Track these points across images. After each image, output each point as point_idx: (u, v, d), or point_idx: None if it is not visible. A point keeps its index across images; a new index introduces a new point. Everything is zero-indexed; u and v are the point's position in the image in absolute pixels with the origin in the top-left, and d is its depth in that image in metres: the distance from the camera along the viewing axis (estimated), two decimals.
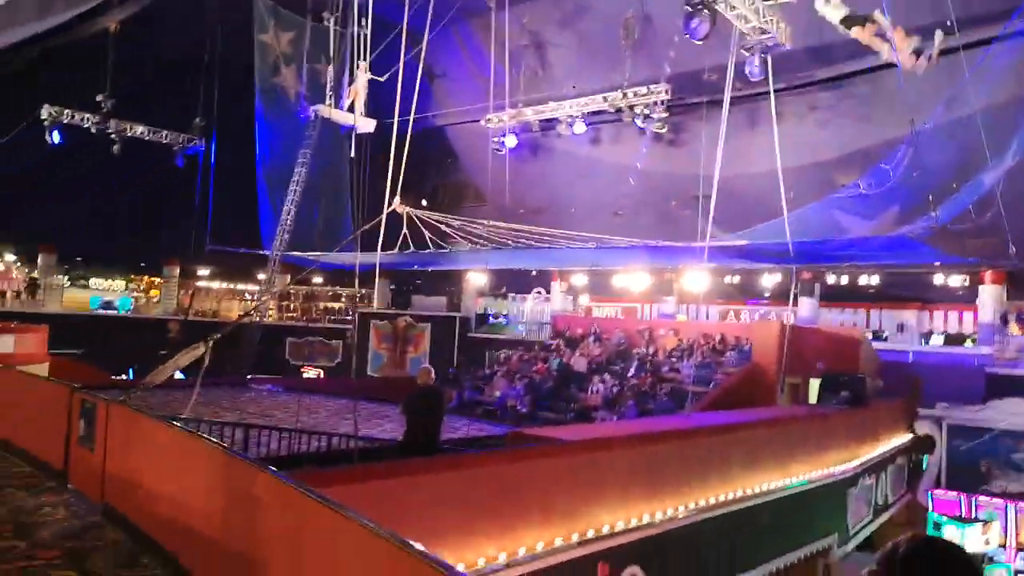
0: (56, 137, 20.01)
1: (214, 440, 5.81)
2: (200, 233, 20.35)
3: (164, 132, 21.56)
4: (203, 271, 28.62)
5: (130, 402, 6.43)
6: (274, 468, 4.23)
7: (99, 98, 19.92)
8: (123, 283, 29.76)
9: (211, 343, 8.16)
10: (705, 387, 16.52)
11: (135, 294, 29.66)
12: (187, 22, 18.73)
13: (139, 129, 21.06)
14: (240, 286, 30.47)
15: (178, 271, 28.27)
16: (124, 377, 22.04)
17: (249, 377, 20.06)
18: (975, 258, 17.39)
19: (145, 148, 21.55)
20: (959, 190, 11.82)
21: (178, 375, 12.26)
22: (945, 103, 11.43)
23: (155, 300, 29.32)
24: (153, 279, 30.01)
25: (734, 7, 10.45)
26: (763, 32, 11.18)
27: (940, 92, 12.51)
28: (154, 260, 28.80)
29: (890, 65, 13.54)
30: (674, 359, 18.72)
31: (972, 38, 12.93)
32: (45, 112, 19.69)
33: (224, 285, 30.29)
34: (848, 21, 9.51)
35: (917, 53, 9.29)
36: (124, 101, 20.33)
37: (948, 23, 12.95)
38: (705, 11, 10.13)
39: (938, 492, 17.20)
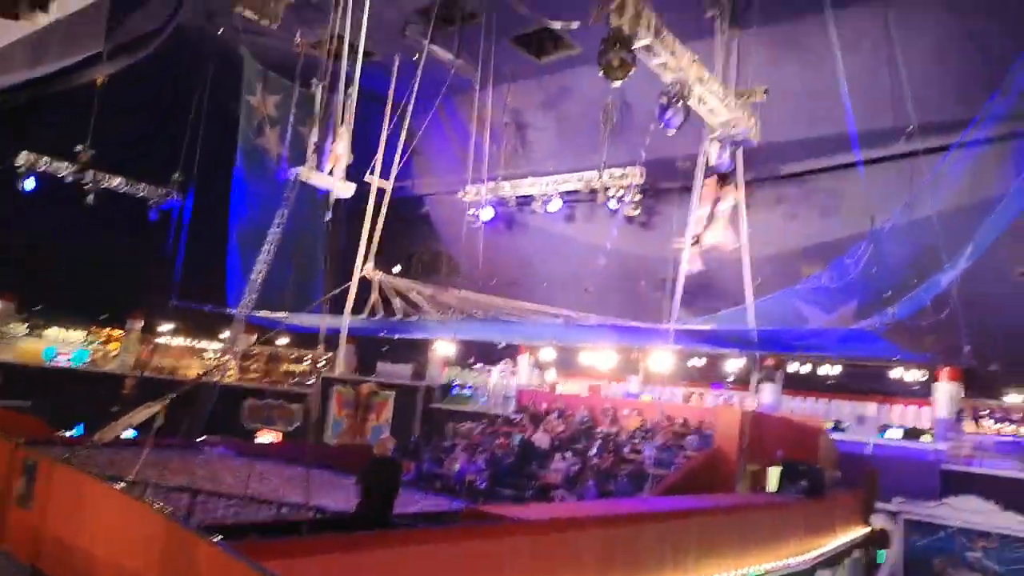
0: (30, 184, 19.84)
1: (158, 505, 5.62)
2: (167, 288, 20.10)
3: (141, 185, 21.52)
4: (166, 327, 28.07)
5: (75, 461, 6.21)
6: (218, 538, 4.10)
7: (78, 148, 19.90)
8: (82, 335, 29.01)
9: (167, 402, 7.98)
10: (666, 470, 16.41)
11: (93, 346, 28.90)
12: (175, 79, 19.00)
13: (116, 181, 20.99)
14: (202, 344, 29.89)
15: (141, 325, 27.72)
16: (71, 433, 21.28)
17: (202, 439, 19.49)
18: (931, 355, 17.84)
19: (120, 200, 21.43)
20: (918, 287, 12.21)
21: (129, 433, 11.89)
22: (905, 205, 11.93)
23: (113, 354, 28.60)
24: (113, 332, 29.31)
25: (705, 102, 10.93)
26: (733, 127, 11.67)
27: (901, 194, 13.08)
28: (117, 313, 28.22)
29: (852, 164, 14.21)
30: (636, 440, 18.63)
31: (932, 144, 13.64)
32: (22, 158, 19.60)
33: (186, 342, 29.70)
34: None
35: None
36: (104, 152, 20.31)
37: (909, 128, 13.70)
38: (679, 103, 10.56)
39: None
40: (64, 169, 20.15)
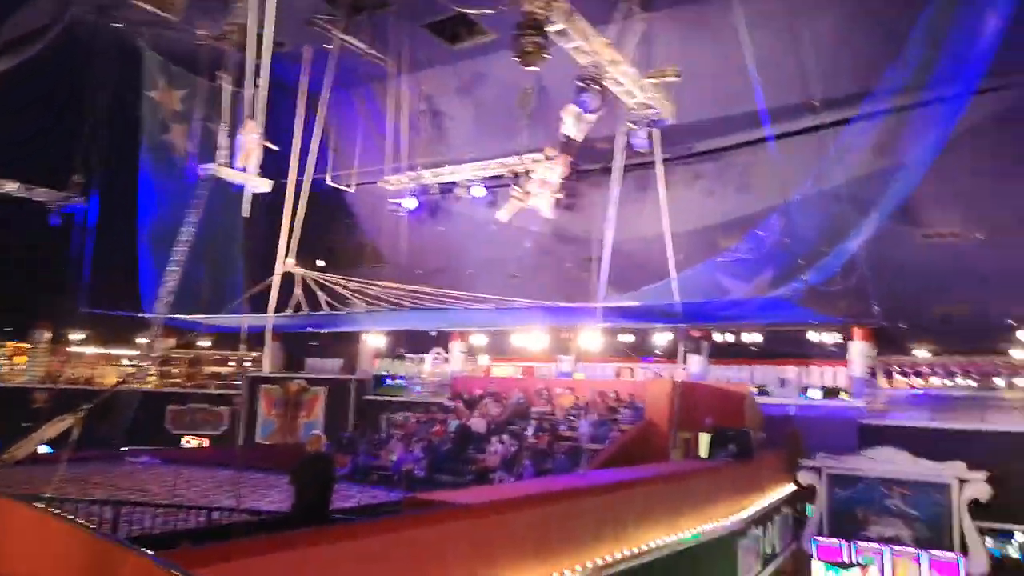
0: None
1: (79, 521, 5.38)
2: (75, 295, 19.11)
3: (40, 189, 20.31)
4: (77, 336, 26.78)
5: None
6: (146, 548, 3.96)
7: None
8: None
9: (81, 414, 7.64)
10: (601, 444, 16.76)
11: None
12: (69, 76, 17.96)
13: (10, 186, 19.74)
14: (117, 351, 28.66)
15: (49, 336, 26.34)
16: None
17: (124, 449, 18.77)
18: (844, 317, 18.74)
19: (17, 206, 20.17)
20: (828, 254, 12.76)
21: (44, 448, 11.31)
22: (813, 176, 12.42)
23: (21, 367, 27.11)
24: (20, 345, 27.77)
25: (621, 83, 11.09)
26: (648, 107, 11.89)
27: (810, 166, 13.61)
28: (22, 324, 26.73)
29: (763, 139, 14.70)
30: (571, 418, 18.95)
31: (837, 117, 14.24)
32: None
33: (100, 350, 28.41)
34: None
35: None
36: None
37: (814, 102, 14.26)
38: (595, 86, 10.68)
39: (820, 539, 17.98)
40: None
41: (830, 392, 23.79)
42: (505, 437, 17.60)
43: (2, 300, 23.79)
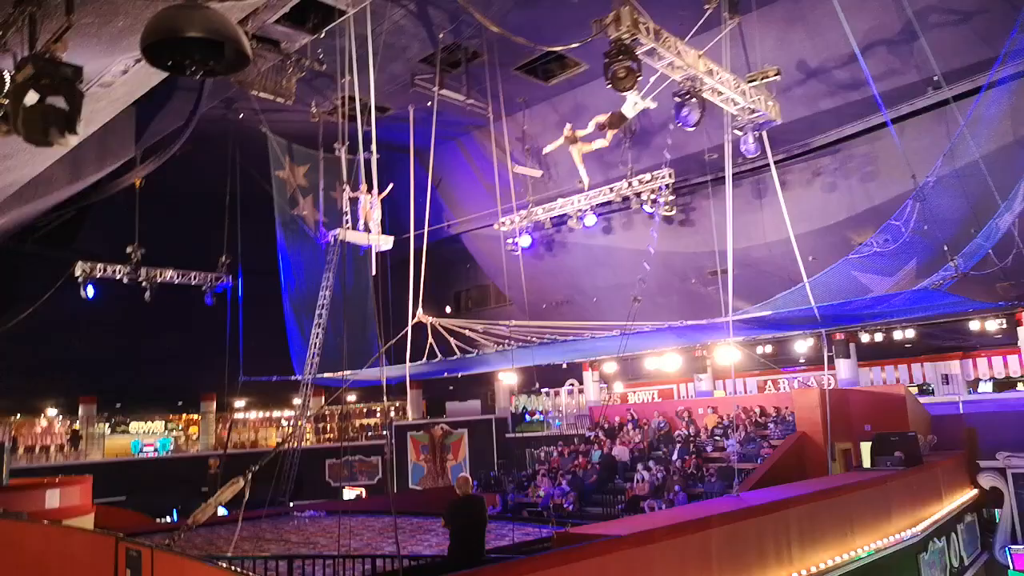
0: (90, 291, 20.82)
1: None
2: (233, 366, 20.74)
3: (193, 273, 22.37)
4: (239, 403, 28.97)
5: (175, 546, 6.46)
6: None
7: (128, 249, 20.86)
8: (162, 424, 30.13)
9: (250, 475, 8.23)
10: (752, 463, 16.12)
11: (174, 434, 29.99)
12: (206, 167, 19.79)
13: (168, 274, 21.87)
14: (276, 413, 30.71)
15: (215, 406, 28.64)
16: (168, 519, 21.99)
17: (291, 504, 19.92)
18: (1006, 301, 17.14)
19: (175, 291, 22.32)
20: (976, 236, 11.81)
21: (222, 511, 12.27)
22: (944, 156, 11.60)
23: (194, 437, 29.59)
24: (191, 416, 30.38)
25: (720, 92, 10.88)
26: (752, 112, 11.58)
27: (939, 145, 12.72)
28: (191, 398, 29.28)
29: (882, 125, 13.90)
30: (717, 437, 18.37)
31: (960, 90, 13.28)
32: (79, 269, 20.60)
33: (260, 414, 30.55)
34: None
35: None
36: (153, 248, 21.27)
37: (935, 78, 13.37)
38: (693, 100, 10.54)
39: (1015, 548, 16.28)
40: (119, 271, 21.11)
41: (1003, 384, 21.75)
42: (651, 464, 17.30)
43: (173, 377, 26.21)
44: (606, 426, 21.26)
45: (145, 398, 27.15)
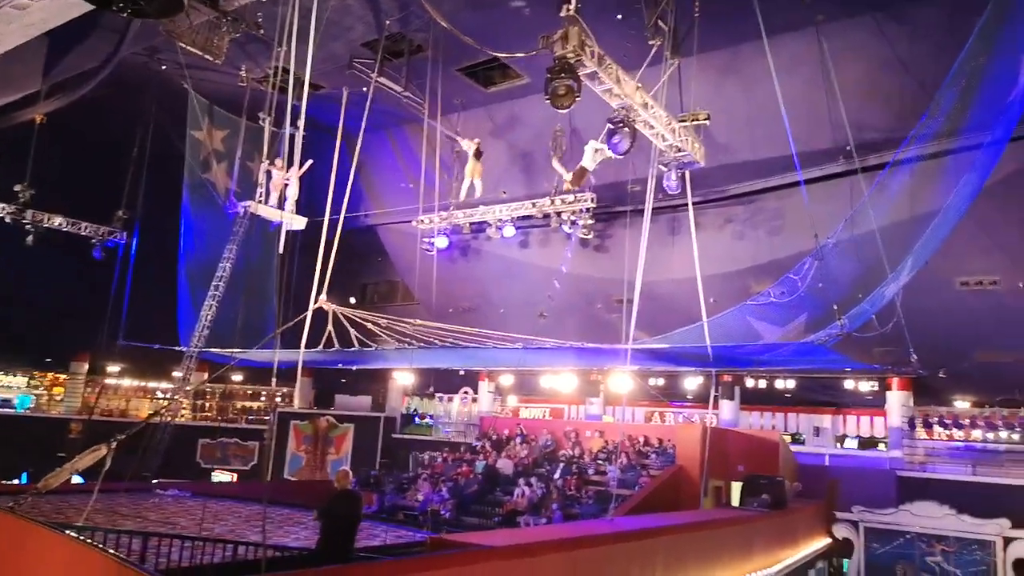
0: None
1: (109, 551, 5.43)
2: (114, 328, 19.56)
3: (83, 224, 20.97)
4: (113, 368, 27.28)
5: (19, 509, 5.97)
6: None
7: (17, 188, 19.35)
8: (24, 380, 27.99)
9: (114, 444, 7.73)
10: (630, 490, 16.49)
11: (37, 391, 27.93)
12: (116, 114, 18.67)
13: (57, 220, 20.42)
14: (152, 384, 29.12)
15: (86, 368, 26.88)
16: (16, 481, 20.43)
17: (155, 481, 18.92)
18: (880, 365, 18.32)
19: (62, 240, 20.84)
20: (863, 300, 12.56)
21: (77, 479, 11.47)
22: (846, 221, 12.31)
23: (58, 398, 27.66)
24: (58, 376, 28.36)
25: (652, 126, 11.17)
26: (679, 150, 11.94)
27: (843, 211, 13.49)
28: (61, 356, 27.34)
29: (795, 184, 14.64)
30: (600, 461, 18.72)
31: (869, 163, 14.15)
32: None
33: (135, 383, 28.89)
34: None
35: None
36: (44, 191, 19.79)
37: (848, 148, 14.20)
38: (625, 128, 10.77)
39: None
40: (3, 209, 19.55)
41: (867, 442, 23.19)
42: (533, 480, 17.43)
43: (44, 331, 24.42)
44: (494, 437, 21.30)
45: (9, 349, 25.12)
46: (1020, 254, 16.07)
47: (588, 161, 12.00)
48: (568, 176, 12.72)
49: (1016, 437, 19.16)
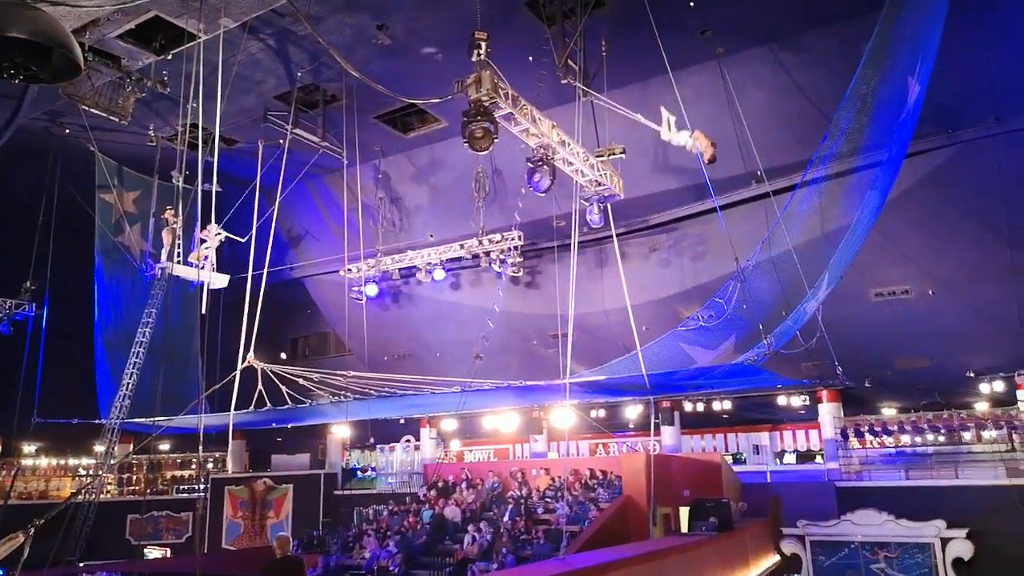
0: None
1: None
2: (27, 405, 18.42)
3: None
4: (29, 447, 25.68)
5: None
6: None
7: None
8: None
9: (32, 531, 7.20)
10: (580, 525, 16.35)
11: None
12: (17, 182, 17.87)
13: None
14: (73, 461, 27.50)
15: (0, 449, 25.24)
16: None
17: (81, 564, 17.79)
18: (809, 380, 18.86)
19: None
20: (787, 318, 12.92)
21: None
22: (763, 243, 12.70)
23: None
24: None
25: (570, 163, 11.36)
26: (599, 184, 12.17)
27: (759, 233, 13.93)
28: None
29: (712, 210, 15.08)
30: (548, 499, 18.53)
31: (779, 185, 14.71)
32: None
33: (54, 462, 27.24)
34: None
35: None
36: None
37: (758, 172, 14.74)
38: (545, 167, 10.92)
39: None
40: None
41: (805, 456, 23.74)
42: (482, 525, 17.09)
43: None
44: (440, 484, 20.87)
45: None
46: (927, 263, 16.91)
47: (690, 142, 11.49)
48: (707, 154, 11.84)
49: (942, 439, 19.90)
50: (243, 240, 14.38)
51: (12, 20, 4.26)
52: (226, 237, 15.29)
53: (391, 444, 27.23)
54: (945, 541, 16.60)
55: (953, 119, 14.37)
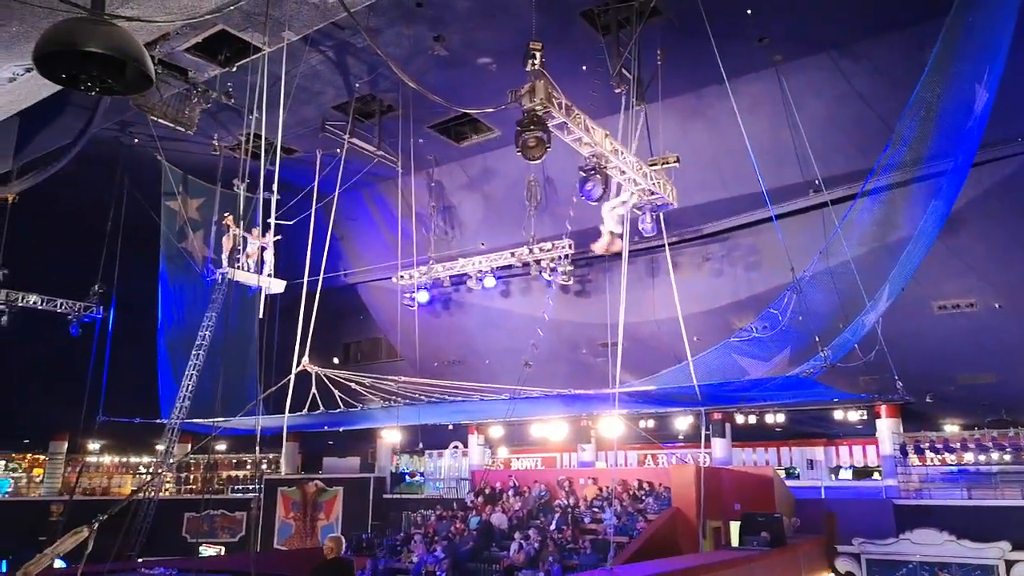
0: None
1: None
2: (92, 404, 19.16)
3: (59, 300, 20.73)
4: (94, 445, 26.67)
5: None
6: None
7: None
8: (1, 463, 27.29)
9: (96, 525, 7.50)
10: (628, 536, 16.21)
11: (15, 474, 27.19)
12: (88, 189, 18.64)
13: (32, 299, 20.18)
14: (134, 459, 28.47)
15: (66, 447, 26.26)
16: None
17: (140, 560, 18.35)
18: (867, 394, 18.35)
19: (37, 317, 20.56)
20: (844, 330, 12.64)
21: (59, 563, 11.09)
22: (820, 253, 12.47)
23: (38, 480, 26.92)
24: (36, 456, 27.68)
25: (623, 172, 11.34)
26: (652, 193, 12.10)
27: (816, 243, 13.69)
28: (39, 436, 26.72)
29: (768, 219, 14.86)
30: (595, 509, 18.42)
31: (838, 195, 14.43)
32: None
33: (117, 459, 28.24)
34: None
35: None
36: (19, 270, 19.58)
37: (816, 181, 14.49)
38: (597, 175, 10.92)
39: None
40: None
41: (862, 472, 23.03)
42: (530, 532, 17.08)
43: (21, 412, 23.89)
44: (487, 491, 20.94)
45: None
46: (993, 275, 16.33)
47: (612, 224, 11.97)
48: (600, 247, 12.36)
49: (1008, 458, 19.13)
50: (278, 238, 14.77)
51: (89, 35, 4.45)
52: (277, 241, 15.71)
53: (439, 450, 27.42)
54: (1010, 564, 15.96)
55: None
